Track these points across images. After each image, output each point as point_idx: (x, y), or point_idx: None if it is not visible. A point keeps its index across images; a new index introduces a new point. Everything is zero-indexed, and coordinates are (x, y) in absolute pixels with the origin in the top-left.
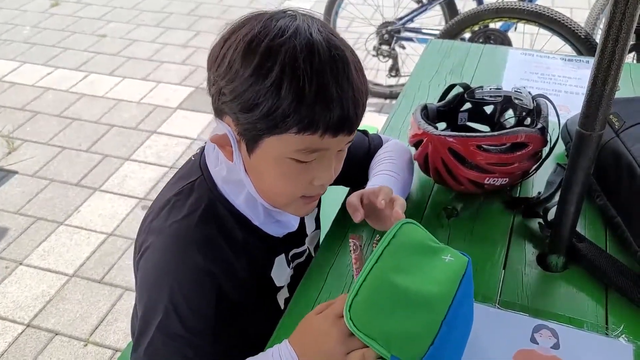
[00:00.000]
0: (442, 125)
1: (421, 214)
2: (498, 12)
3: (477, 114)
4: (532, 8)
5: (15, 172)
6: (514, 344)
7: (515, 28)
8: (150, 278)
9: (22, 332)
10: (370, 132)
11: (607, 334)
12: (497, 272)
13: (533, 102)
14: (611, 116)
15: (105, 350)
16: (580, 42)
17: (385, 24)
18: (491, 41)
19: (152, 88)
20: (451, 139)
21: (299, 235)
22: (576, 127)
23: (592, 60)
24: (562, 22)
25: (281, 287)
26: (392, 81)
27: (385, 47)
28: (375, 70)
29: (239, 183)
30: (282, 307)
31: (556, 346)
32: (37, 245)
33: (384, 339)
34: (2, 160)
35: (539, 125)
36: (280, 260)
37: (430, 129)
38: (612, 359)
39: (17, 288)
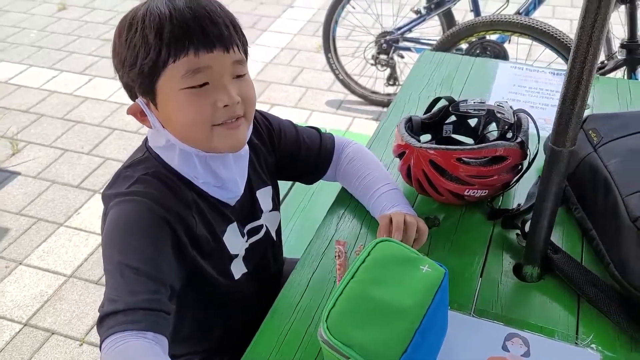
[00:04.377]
0: (427, 137)
1: None
2: (492, 25)
3: (461, 126)
4: (525, 21)
5: (18, 174)
6: (486, 351)
7: (509, 41)
8: (109, 229)
9: (19, 331)
10: (363, 139)
11: (576, 343)
12: (474, 281)
13: (514, 117)
14: (590, 132)
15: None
16: None
17: (384, 34)
18: (487, 52)
19: None
20: (432, 152)
21: (253, 208)
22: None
23: None
24: (554, 35)
25: (235, 256)
26: (390, 90)
27: (383, 56)
28: (374, 79)
29: (168, 145)
30: (236, 277)
31: (527, 354)
32: (37, 245)
33: (359, 347)
34: (6, 161)
35: (519, 139)
36: (233, 228)
37: (412, 141)
38: None
39: (16, 287)
